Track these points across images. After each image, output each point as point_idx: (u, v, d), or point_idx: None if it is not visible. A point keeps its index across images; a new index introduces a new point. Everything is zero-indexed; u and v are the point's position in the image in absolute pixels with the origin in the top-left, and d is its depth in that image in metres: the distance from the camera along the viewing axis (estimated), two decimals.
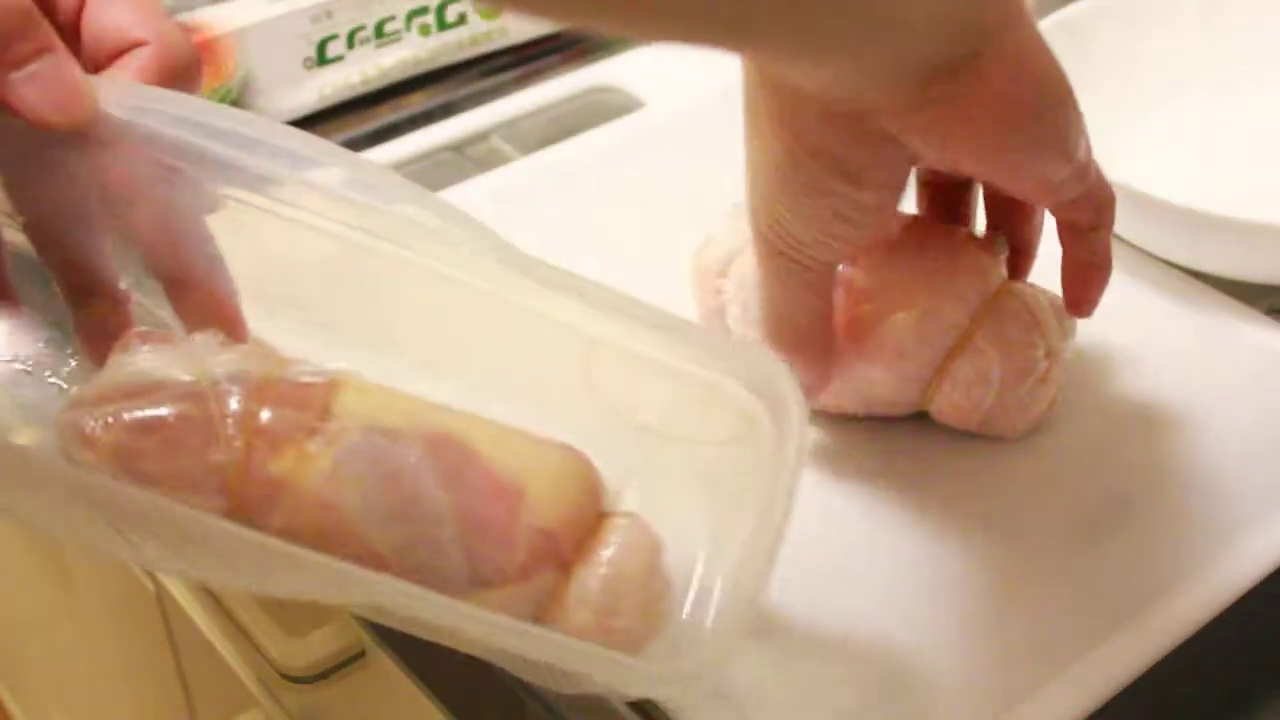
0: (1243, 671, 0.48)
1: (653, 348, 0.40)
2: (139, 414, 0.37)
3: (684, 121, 0.70)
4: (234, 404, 0.37)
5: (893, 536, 0.47)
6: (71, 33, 0.41)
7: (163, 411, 0.36)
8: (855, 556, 0.47)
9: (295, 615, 0.55)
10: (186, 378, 0.37)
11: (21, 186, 0.41)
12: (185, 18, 0.68)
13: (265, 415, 0.37)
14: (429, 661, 0.50)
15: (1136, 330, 0.54)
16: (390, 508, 0.36)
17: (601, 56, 0.75)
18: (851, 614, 0.45)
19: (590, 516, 0.38)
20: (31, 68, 0.38)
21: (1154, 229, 0.57)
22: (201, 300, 0.41)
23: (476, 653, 0.37)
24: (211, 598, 0.54)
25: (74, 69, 0.39)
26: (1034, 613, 0.45)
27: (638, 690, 0.39)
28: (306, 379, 0.38)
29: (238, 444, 0.36)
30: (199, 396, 0.37)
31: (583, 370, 0.41)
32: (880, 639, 0.44)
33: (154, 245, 0.42)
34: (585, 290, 0.39)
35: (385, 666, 0.52)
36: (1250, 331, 0.55)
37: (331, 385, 0.37)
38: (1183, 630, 0.44)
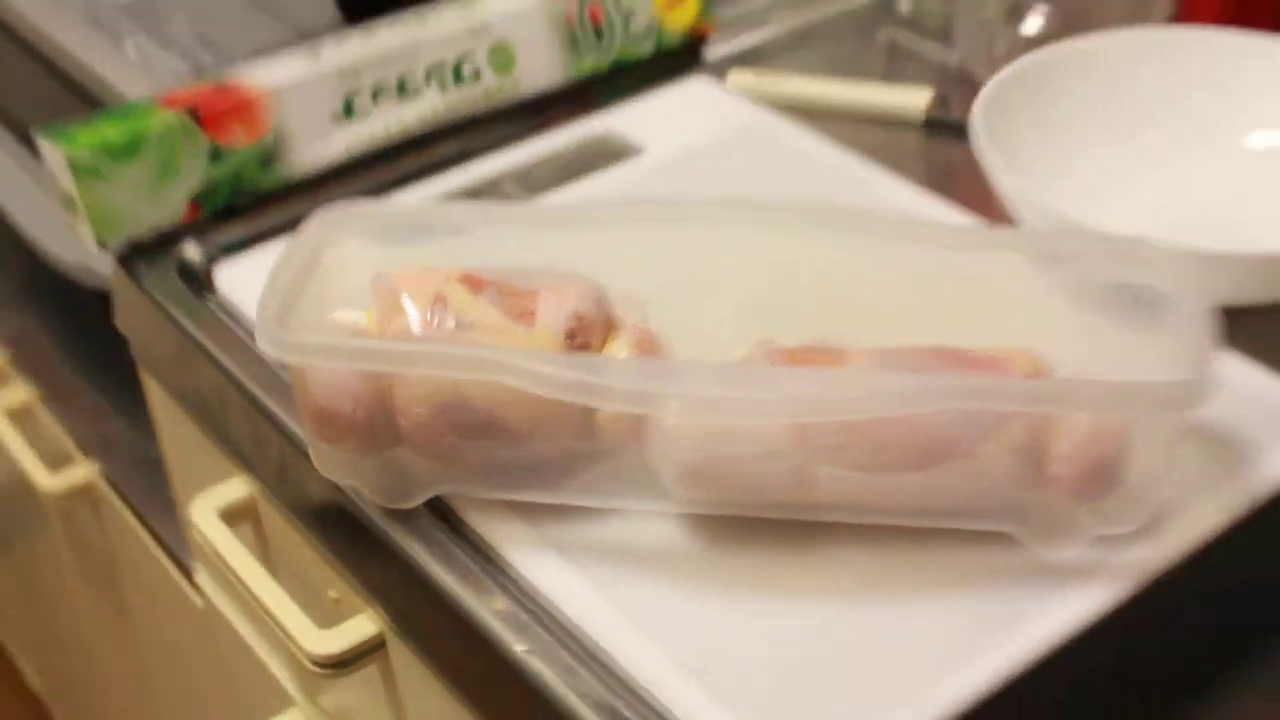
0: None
1: None
2: None
3: (676, 165, 0.76)
4: None
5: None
6: None
7: None
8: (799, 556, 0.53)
9: (323, 610, 0.62)
10: None
11: None
12: (224, 77, 0.74)
13: None
14: (445, 651, 0.56)
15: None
16: None
17: (604, 107, 0.81)
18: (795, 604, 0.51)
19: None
20: None
21: None
22: None
23: None
24: (249, 598, 0.60)
25: None
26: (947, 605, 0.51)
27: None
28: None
29: None
30: None
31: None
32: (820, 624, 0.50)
33: None
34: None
35: (405, 656, 0.59)
36: None
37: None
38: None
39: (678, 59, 0.86)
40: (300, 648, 0.57)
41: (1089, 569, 0.51)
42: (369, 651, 0.59)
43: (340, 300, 0.55)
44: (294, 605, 0.59)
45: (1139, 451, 0.50)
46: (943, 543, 0.52)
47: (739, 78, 0.85)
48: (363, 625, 0.58)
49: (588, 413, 0.52)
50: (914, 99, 0.82)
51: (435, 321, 0.53)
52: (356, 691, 0.65)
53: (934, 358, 0.52)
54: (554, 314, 0.53)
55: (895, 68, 0.89)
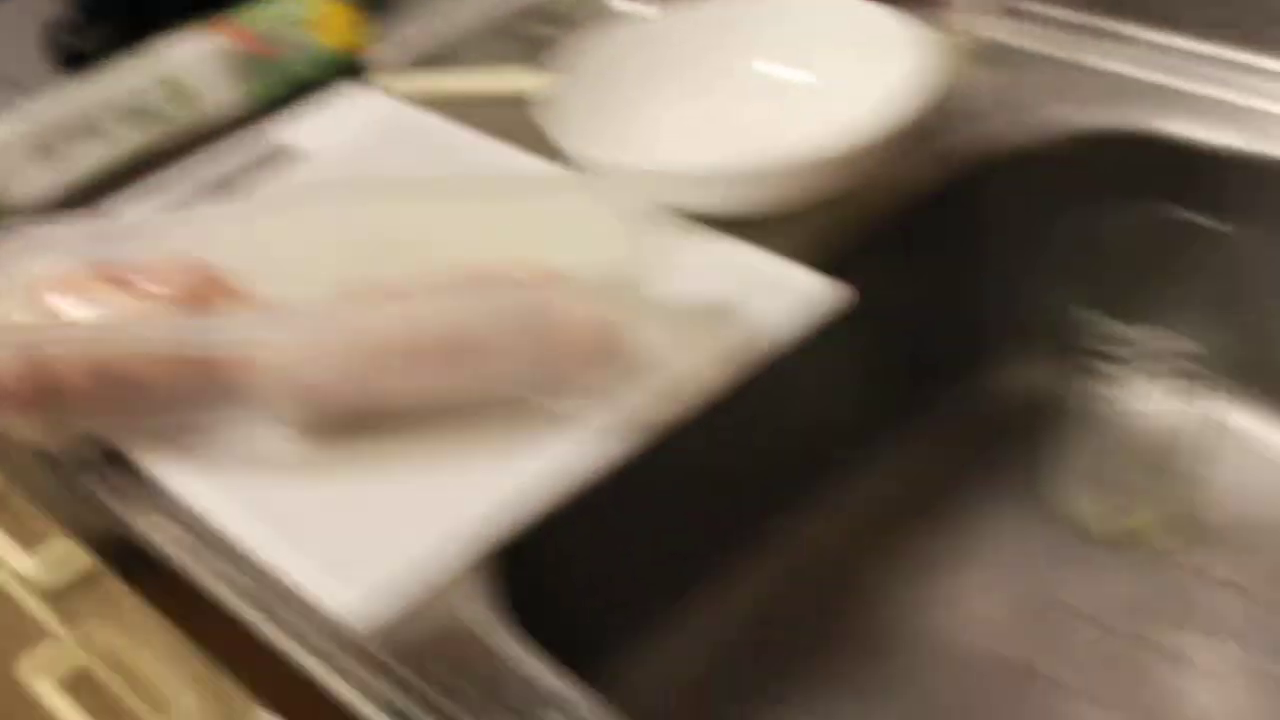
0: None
1: None
2: None
3: (337, 164, 0.91)
4: None
5: None
6: None
7: None
8: None
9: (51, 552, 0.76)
10: None
11: None
12: None
13: None
14: (133, 571, 0.70)
15: None
16: None
17: (279, 122, 0.96)
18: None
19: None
20: None
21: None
22: None
23: None
24: None
25: None
26: None
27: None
28: None
29: None
30: None
31: None
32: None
33: None
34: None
35: (113, 583, 0.73)
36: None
37: None
38: None
39: (346, 74, 1.01)
40: (14, 571, 0.72)
41: (604, 423, 0.67)
42: (83, 580, 0.73)
43: (14, 308, 0.70)
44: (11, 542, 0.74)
45: (628, 325, 0.66)
46: (492, 414, 0.68)
47: (396, 83, 0.99)
48: (71, 555, 0.73)
49: (209, 361, 0.67)
50: (538, 82, 0.97)
51: (79, 309, 0.67)
52: (99, 621, 0.80)
53: (464, 279, 0.67)
54: (173, 290, 0.68)
55: (544, 58, 1.05)
